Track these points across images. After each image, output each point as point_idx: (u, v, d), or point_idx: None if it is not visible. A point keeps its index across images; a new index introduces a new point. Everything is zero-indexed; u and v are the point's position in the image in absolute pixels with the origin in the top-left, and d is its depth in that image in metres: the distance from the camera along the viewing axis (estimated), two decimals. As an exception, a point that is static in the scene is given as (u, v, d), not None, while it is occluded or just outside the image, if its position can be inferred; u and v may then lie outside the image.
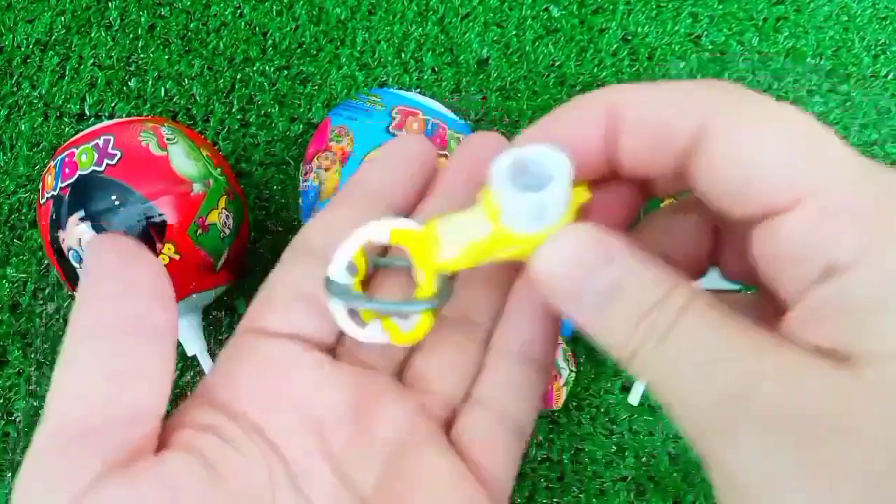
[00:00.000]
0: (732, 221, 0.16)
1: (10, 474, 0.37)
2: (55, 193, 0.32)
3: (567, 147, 0.16)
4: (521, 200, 0.16)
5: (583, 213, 0.17)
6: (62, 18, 0.45)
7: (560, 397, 0.34)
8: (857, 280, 0.13)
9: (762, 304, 0.18)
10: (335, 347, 0.21)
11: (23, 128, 0.43)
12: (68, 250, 0.32)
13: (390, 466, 0.19)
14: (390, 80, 0.43)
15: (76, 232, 0.32)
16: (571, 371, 0.35)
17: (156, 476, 0.16)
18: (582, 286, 0.16)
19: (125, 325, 0.17)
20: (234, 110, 0.43)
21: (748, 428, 0.13)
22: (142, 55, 0.44)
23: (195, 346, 0.36)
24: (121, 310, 0.17)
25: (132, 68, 0.44)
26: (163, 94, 0.43)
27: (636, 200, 0.19)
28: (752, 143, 0.15)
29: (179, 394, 0.39)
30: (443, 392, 0.21)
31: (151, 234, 0.32)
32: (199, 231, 0.33)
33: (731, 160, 0.15)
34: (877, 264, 0.13)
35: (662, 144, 0.16)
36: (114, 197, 0.32)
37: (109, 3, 0.45)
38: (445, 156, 0.33)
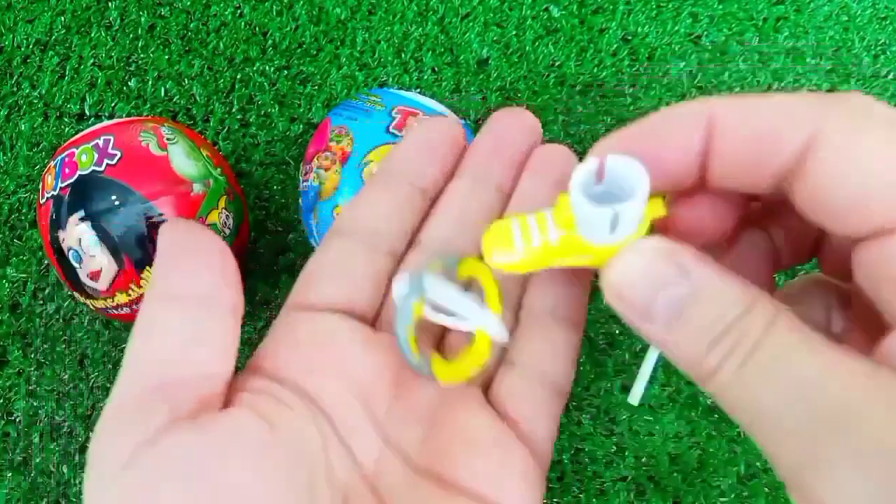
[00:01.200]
0: (835, 237, 0.15)
1: (10, 474, 0.37)
2: (55, 193, 0.32)
3: (662, 155, 0.16)
4: (597, 214, 0.15)
5: (669, 227, 0.17)
6: (62, 18, 0.45)
7: None
8: None
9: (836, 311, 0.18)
10: (375, 318, 0.22)
11: (23, 128, 0.43)
12: (68, 250, 0.32)
13: (432, 426, 0.20)
14: (390, 80, 0.43)
15: (76, 232, 0.32)
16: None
17: (221, 424, 0.17)
18: (655, 300, 0.15)
19: (197, 297, 0.19)
20: (234, 110, 0.43)
21: (847, 461, 0.13)
22: (142, 55, 0.44)
23: (195, 346, 0.36)
24: (193, 284, 0.19)
25: (132, 68, 0.44)
26: (163, 94, 0.43)
27: (729, 216, 0.18)
28: (868, 157, 0.14)
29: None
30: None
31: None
32: (199, 231, 0.33)
33: (844, 174, 0.14)
34: None
35: (766, 156, 0.15)
36: (114, 197, 0.32)
37: (109, 3, 0.45)
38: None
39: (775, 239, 0.19)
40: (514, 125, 0.22)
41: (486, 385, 0.21)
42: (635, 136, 0.16)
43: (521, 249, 0.17)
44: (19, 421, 0.38)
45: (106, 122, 0.35)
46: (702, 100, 0.16)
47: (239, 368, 0.20)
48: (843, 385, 0.13)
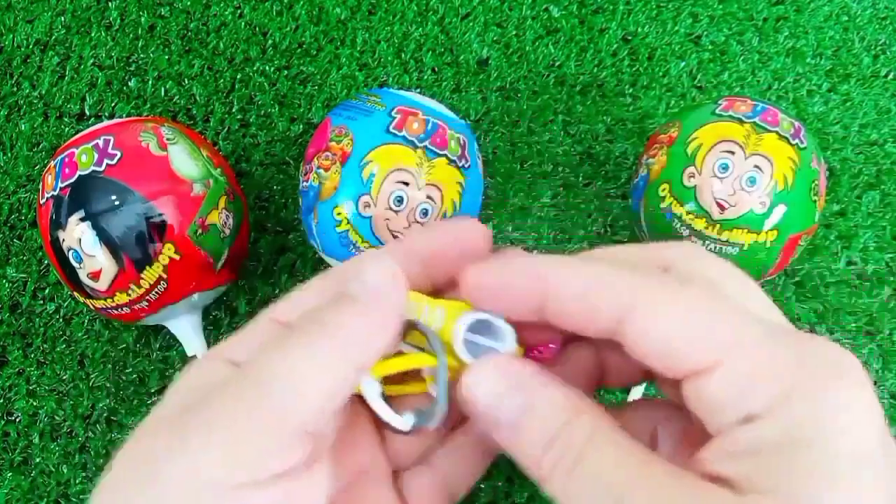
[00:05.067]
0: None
1: (10, 474, 0.37)
2: (55, 193, 0.32)
3: (511, 309, 0.20)
4: (468, 355, 0.20)
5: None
6: (62, 18, 0.45)
7: None
8: (766, 428, 0.16)
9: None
10: None
11: (23, 128, 0.43)
12: (68, 250, 0.32)
13: (343, 487, 0.22)
14: (390, 80, 0.43)
15: (76, 232, 0.32)
16: None
17: None
18: (499, 410, 0.19)
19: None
20: (234, 110, 0.43)
21: None
22: (142, 55, 0.44)
23: (195, 345, 0.36)
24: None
25: (132, 68, 0.44)
26: (163, 94, 0.43)
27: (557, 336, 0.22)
28: (664, 323, 0.18)
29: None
30: (397, 448, 0.24)
31: (151, 234, 0.32)
32: (199, 231, 0.33)
33: (652, 338, 0.18)
34: (782, 416, 0.16)
35: (587, 321, 0.19)
36: (114, 197, 0.32)
37: (109, 3, 0.45)
38: (446, 156, 0.33)
39: (609, 358, 0.22)
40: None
41: (396, 472, 0.23)
42: (486, 295, 0.20)
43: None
44: (19, 421, 0.38)
45: (106, 122, 0.35)
46: (535, 261, 0.20)
47: None
48: (651, 496, 0.16)
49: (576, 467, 0.18)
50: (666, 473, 0.17)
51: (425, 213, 0.33)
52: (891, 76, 0.43)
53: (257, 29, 0.44)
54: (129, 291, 0.33)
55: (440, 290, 0.22)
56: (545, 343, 0.22)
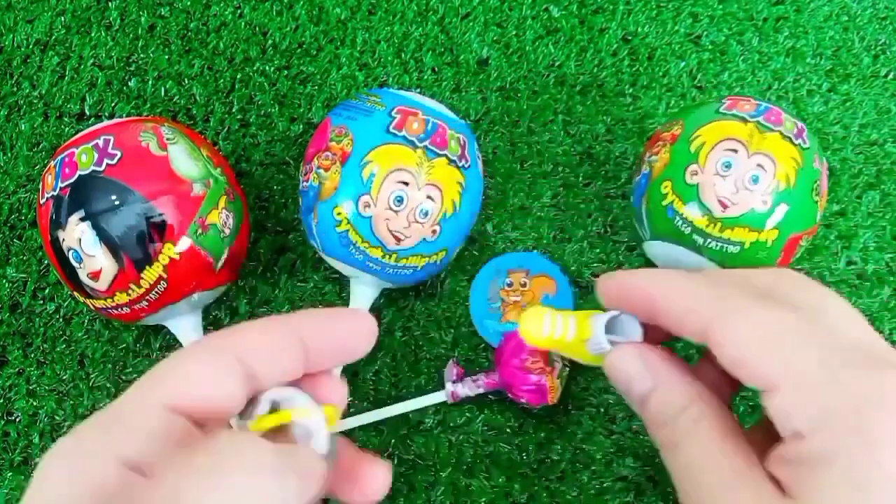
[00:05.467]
0: None
1: (10, 474, 0.37)
2: (55, 193, 0.32)
3: (628, 302, 0.25)
4: (602, 345, 0.25)
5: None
6: (62, 18, 0.45)
7: (555, 391, 0.34)
8: (809, 445, 0.19)
9: None
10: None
11: (23, 128, 0.43)
12: (68, 250, 0.32)
13: None
14: (390, 80, 0.43)
15: (76, 232, 0.32)
16: (565, 366, 0.35)
17: None
18: (630, 385, 0.24)
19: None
20: (234, 110, 0.43)
21: None
22: (142, 55, 0.44)
23: (195, 346, 0.36)
24: None
25: (132, 68, 0.44)
26: (163, 94, 0.43)
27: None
28: (736, 338, 0.21)
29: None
30: None
31: (151, 234, 0.32)
32: (200, 231, 0.33)
33: (722, 351, 0.21)
34: (823, 438, 0.19)
35: (682, 329, 0.23)
36: (114, 197, 0.32)
37: (109, 3, 0.45)
38: (446, 156, 0.33)
39: None
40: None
41: None
42: (617, 286, 0.25)
43: (546, 331, 0.25)
44: (19, 421, 0.38)
45: (106, 122, 0.35)
46: (646, 275, 0.25)
47: None
48: (722, 492, 0.21)
49: (675, 450, 0.22)
50: (741, 474, 0.20)
51: (425, 213, 0.33)
52: (891, 76, 0.43)
53: (257, 29, 0.44)
54: (129, 291, 0.33)
55: (308, 377, 0.21)
56: None
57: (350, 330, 0.21)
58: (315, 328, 0.20)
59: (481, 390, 0.35)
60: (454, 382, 0.36)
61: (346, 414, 0.37)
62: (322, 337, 0.20)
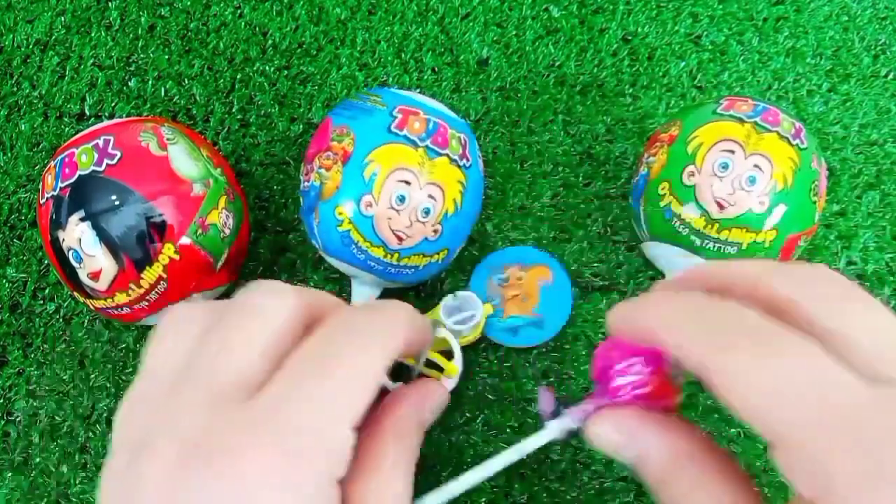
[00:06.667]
0: None
1: (10, 474, 0.37)
2: (55, 193, 0.32)
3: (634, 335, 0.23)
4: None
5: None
6: (62, 18, 0.45)
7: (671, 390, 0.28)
8: None
9: None
10: None
11: (23, 128, 0.43)
12: (68, 250, 0.32)
13: None
14: (390, 80, 0.43)
15: (76, 232, 0.32)
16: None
17: None
18: (622, 455, 0.23)
19: None
20: (234, 110, 0.43)
21: None
22: (142, 55, 0.44)
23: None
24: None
25: (132, 68, 0.44)
26: (163, 94, 0.43)
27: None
28: (737, 392, 0.18)
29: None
30: None
31: (151, 234, 0.32)
32: (200, 231, 0.33)
33: (726, 400, 0.18)
34: None
35: (684, 364, 0.20)
36: (114, 197, 0.32)
37: (109, 3, 0.45)
38: (447, 155, 0.33)
39: None
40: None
41: None
42: (622, 318, 0.23)
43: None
44: (19, 421, 0.38)
45: (106, 122, 0.35)
46: (645, 309, 0.22)
47: None
48: None
49: None
50: None
51: (427, 212, 0.33)
52: (891, 76, 0.43)
53: (257, 29, 0.44)
54: (129, 291, 0.33)
55: None
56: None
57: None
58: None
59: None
60: (557, 415, 0.26)
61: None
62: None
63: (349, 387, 0.20)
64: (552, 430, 0.24)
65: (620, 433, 0.22)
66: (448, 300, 0.36)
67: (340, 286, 0.40)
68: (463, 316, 0.36)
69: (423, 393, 0.26)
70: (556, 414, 0.25)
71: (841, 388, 0.17)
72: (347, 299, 0.38)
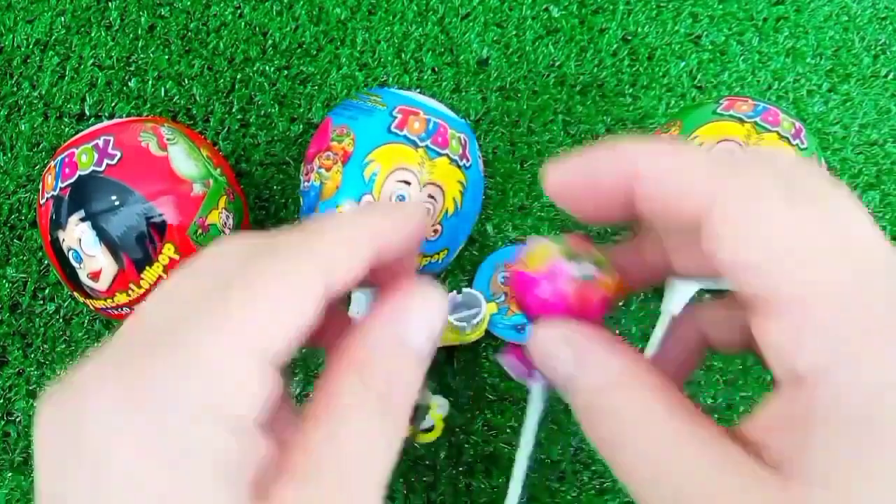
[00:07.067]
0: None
1: (10, 474, 0.37)
2: (55, 193, 0.32)
3: (598, 194, 0.18)
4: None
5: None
6: (62, 18, 0.45)
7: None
8: (809, 397, 0.14)
9: None
10: None
11: (23, 128, 0.43)
12: (68, 250, 0.32)
13: None
14: (390, 80, 0.43)
15: (76, 232, 0.32)
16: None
17: None
18: (555, 372, 0.19)
19: None
20: (234, 110, 0.43)
21: None
22: (142, 55, 0.44)
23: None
24: None
25: (132, 68, 0.44)
26: (163, 94, 0.43)
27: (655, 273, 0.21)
28: (748, 234, 0.15)
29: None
30: None
31: (151, 234, 0.32)
32: (200, 231, 0.33)
33: (722, 244, 0.15)
34: (826, 385, 0.14)
35: (674, 211, 0.16)
36: (114, 197, 0.32)
37: (109, 3, 0.45)
38: (447, 155, 0.33)
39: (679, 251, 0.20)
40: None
41: None
42: (579, 169, 0.18)
43: None
44: (19, 421, 0.38)
45: (106, 122, 0.35)
46: (625, 148, 0.17)
47: None
48: (693, 481, 0.15)
49: (606, 430, 0.17)
50: (708, 449, 0.15)
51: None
52: (891, 76, 0.43)
53: (257, 29, 0.44)
54: (129, 291, 0.33)
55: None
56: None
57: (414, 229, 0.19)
58: (389, 235, 0.18)
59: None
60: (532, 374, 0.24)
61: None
62: (393, 241, 0.18)
63: (253, 311, 0.15)
64: (537, 392, 0.23)
65: (564, 343, 0.18)
66: (452, 296, 0.36)
67: (340, 286, 0.40)
68: (467, 314, 0.36)
69: (400, 304, 0.18)
70: (531, 373, 0.23)
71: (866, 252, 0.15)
72: (347, 300, 0.38)
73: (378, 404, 0.16)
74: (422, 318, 0.18)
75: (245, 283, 0.15)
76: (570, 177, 0.18)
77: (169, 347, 0.14)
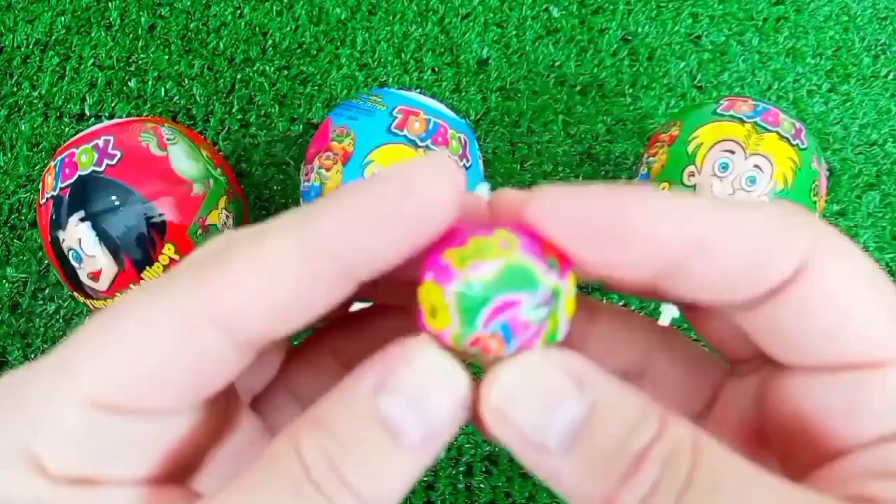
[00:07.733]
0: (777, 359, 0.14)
1: (10, 475, 0.37)
2: (55, 193, 0.32)
3: (625, 254, 0.13)
4: None
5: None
6: (62, 18, 0.45)
7: None
8: None
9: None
10: None
11: (23, 128, 0.43)
12: (68, 250, 0.32)
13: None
14: (390, 80, 0.43)
15: (76, 232, 0.32)
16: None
17: None
18: (551, 421, 0.12)
19: None
20: (234, 110, 0.43)
21: None
22: (142, 55, 0.44)
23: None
24: None
25: (132, 68, 0.44)
26: (163, 94, 0.43)
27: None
28: (853, 289, 0.12)
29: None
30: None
31: (152, 234, 0.32)
32: (200, 231, 0.33)
33: (820, 309, 0.12)
34: None
35: (754, 280, 0.13)
36: (114, 197, 0.32)
37: (109, 3, 0.45)
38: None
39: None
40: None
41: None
42: (601, 217, 0.13)
43: None
44: (19, 421, 0.38)
45: (106, 123, 0.35)
46: (684, 205, 0.13)
47: None
48: None
49: (685, 496, 0.11)
50: (805, 496, 0.12)
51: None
52: (891, 76, 0.43)
53: (257, 29, 0.44)
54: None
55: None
56: None
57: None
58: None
59: None
60: None
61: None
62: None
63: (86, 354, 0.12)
64: None
65: (568, 374, 0.12)
66: None
67: (340, 286, 0.40)
68: None
69: (384, 362, 0.13)
70: None
71: None
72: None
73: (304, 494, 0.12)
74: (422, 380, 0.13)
75: (90, 326, 0.13)
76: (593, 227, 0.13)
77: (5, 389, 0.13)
